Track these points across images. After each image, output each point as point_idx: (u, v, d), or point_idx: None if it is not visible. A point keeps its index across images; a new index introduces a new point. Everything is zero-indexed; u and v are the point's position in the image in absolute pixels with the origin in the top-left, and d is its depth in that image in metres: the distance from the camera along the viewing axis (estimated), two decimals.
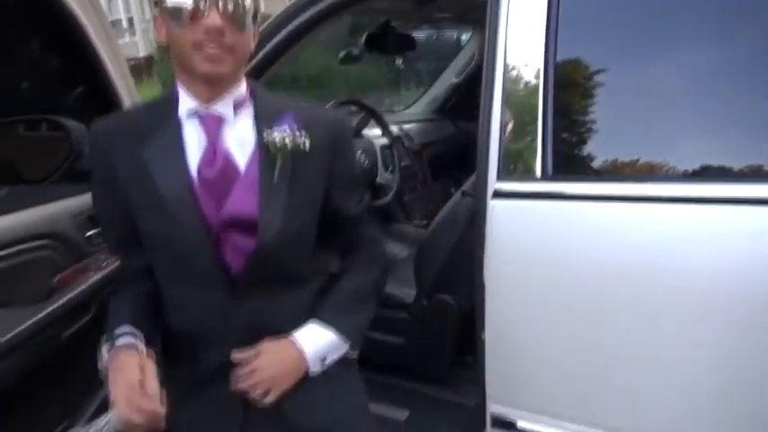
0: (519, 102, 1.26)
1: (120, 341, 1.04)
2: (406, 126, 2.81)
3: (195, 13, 0.99)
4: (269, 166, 1.09)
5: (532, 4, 1.23)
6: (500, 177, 1.26)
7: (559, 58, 1.22)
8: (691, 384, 1.12)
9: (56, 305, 1.35)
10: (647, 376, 1.16)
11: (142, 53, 14.64)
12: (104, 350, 1.05)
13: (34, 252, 1.36)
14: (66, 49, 1.57)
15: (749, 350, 1.05)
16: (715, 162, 1.13)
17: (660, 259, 1.11)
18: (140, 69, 10.57)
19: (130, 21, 18.92)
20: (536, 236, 1.23)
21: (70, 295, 1.39)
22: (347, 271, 1.23)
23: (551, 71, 1.22)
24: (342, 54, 2.75)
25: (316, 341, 1.14)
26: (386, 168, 2.36)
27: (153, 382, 0.99)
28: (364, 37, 2.50)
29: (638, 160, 1.19)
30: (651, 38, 1.20)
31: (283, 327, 1.15)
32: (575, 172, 1.24)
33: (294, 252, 1.15)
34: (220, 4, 1.00)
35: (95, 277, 1.47)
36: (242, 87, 1.12)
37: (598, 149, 1.22)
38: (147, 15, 16.49)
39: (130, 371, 0.99)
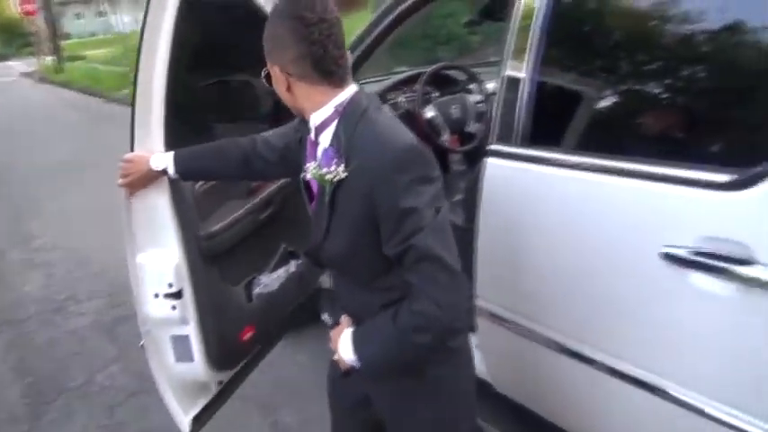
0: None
1: None
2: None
3: None
4: (322, 192, 1.30)
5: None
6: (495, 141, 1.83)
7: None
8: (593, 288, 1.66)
9: (255, 201, 2.25)
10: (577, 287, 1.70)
11: None
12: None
13: None
14: None
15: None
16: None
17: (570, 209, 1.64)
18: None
19: None
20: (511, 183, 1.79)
21: (262, 195, 2.29)
22: (398, 307, 1.24)
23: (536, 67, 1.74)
24: (464, 20, 3.31)
25: (345, 349, 1.33)
26: (477, 120, 2.92)
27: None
28: (480, 9, 3.04)
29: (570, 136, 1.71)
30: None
31: (355, 313, 1.40)
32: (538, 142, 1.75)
33: (347, 263, 1.36)
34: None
35: (272, 187, 2.34)
36: (318, 116, 1.31)
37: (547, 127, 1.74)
38: None
39: None
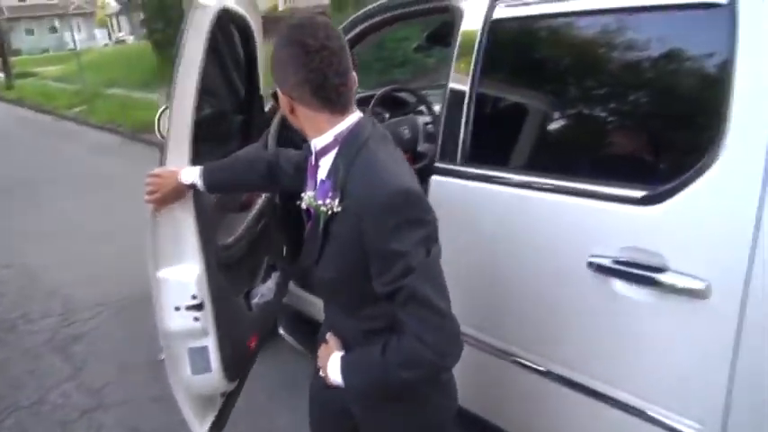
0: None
1: None
2: None
3: None
4: (317, 219, 1.30)
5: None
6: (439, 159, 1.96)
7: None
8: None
9: (253, 213, 2.41)
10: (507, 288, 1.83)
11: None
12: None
13: None
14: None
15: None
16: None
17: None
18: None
19: None
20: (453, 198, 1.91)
21: (256, 208, 2.44)
22: (388, 340, 1.25)
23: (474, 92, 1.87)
24: (414, 45, 3.46)
25: (333, 372, 1.34)
26: (426, 140, 3.05)
27: None
28: (426, 35, 3.19)
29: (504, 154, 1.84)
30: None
31: (343, 334, 1.41)
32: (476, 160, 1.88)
33: (336, 290, 1.38)
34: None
35: (263, 200, 2.50)
36: (320, 140, 1.31)
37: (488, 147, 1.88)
38: None
39: None
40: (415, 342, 1.18)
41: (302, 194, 1.35)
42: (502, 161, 1.84)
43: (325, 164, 1.31)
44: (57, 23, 49.63)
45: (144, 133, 10.56)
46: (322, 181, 1.30)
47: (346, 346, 1.39)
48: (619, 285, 1.51)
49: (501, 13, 1.80)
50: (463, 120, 1.87)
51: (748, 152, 1.28)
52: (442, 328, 1.19)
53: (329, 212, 1.24)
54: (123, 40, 39.72)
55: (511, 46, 1.87)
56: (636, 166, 1.60)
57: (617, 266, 1.50)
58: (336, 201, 1.23)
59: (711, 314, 1.36)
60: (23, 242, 5.63)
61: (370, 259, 1.22)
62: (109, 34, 46.91)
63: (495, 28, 1.82)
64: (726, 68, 1.33)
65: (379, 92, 2.92)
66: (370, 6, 2.39)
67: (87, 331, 3.86)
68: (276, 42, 1.27)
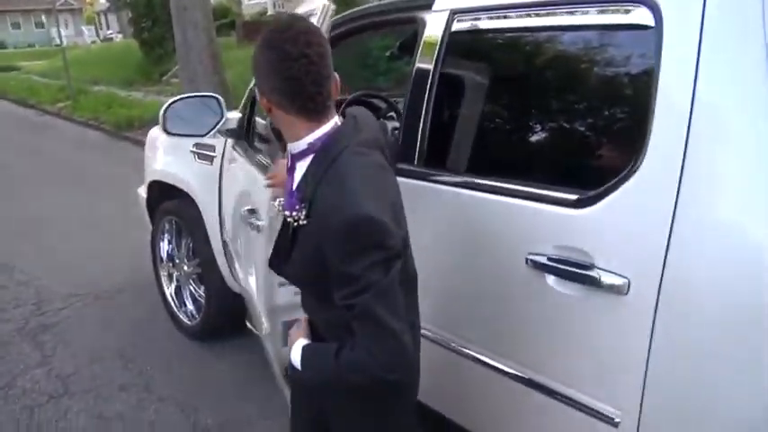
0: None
1: None
2: None
3: None
4: (287, 223, 1.35)
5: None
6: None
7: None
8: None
9: None
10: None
11: None
12: None
13: None
14: None
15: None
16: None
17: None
18: None
19: None
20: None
21: None
22: (341, 345, 1.26)
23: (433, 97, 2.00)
24: (388, 53, 3.60)
25: (295, 356, 1.40)
26: None
27: None
28: (398, 44, 3.32)
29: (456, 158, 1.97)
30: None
31: (315, 320, 1.48)
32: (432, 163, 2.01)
33: (305, 286, 1.47)
34: None
35: None
36: (299, 144, 1.32)
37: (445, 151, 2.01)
38: None
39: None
40: (364, 354, 1.21)
41: (274, 201, 1.43)
42: (454, 164, 1.97)
43: (300, 168, 1.33)
44: (44, 18, 49.35)
45: (127, 130, 10.61)
46: (291, 192, 1.34)
47: (317, 331, 1.46)
48: (552, 281, 1.63)
49: (457, 26, 1.93)
50: (420, 122, 2.00)
51: (665, 164, 1.41)
52: (391, 347, 1.21)
53: (295, 224, 1.29)
54: (111, 38, 39.60)
55: (464, 56, 2.01)
56: (571, 172, 1.73)
57: (551, 263, 1.62)
58: (303, 213, 1.27)
59: (630, 308, 1.48)
60: None
61: (330, 271, 1.24)
62: (96, 31, 46.66)
63: (452, 39, 1.95)
64: (649, 85, 1.46)
65: (348, 97, 3.04)
66: (342, 14, 2.52)
67: (59, 321, 3.92)
68: (257, 45, 1.28)
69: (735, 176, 1.34)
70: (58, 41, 17.56)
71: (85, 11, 54.13)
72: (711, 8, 1.36)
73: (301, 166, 1.32)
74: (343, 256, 1.21)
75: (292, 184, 1.36)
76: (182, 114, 2.87)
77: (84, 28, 47.73)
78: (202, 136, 2.95)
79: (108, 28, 45.93)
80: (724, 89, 1.37)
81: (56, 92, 15.90)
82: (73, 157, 9.35)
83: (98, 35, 45.34)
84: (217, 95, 2.96)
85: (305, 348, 1.41)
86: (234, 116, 2.99)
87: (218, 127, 2.86)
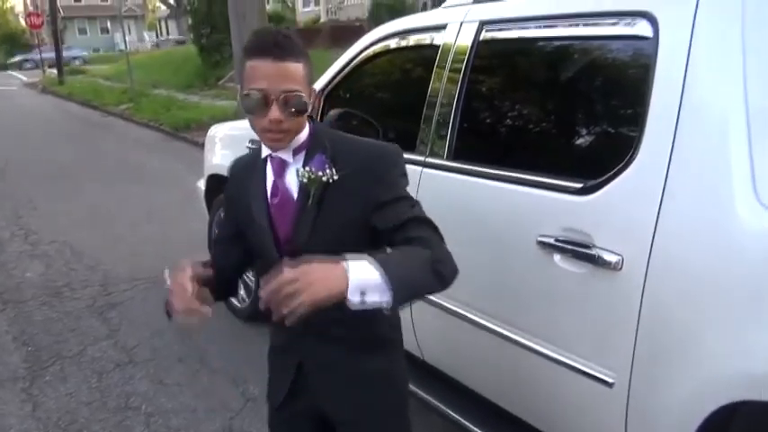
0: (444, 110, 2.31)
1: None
2: None
3: (262, 108, 1.29)
4: (306, 195, 1.36)
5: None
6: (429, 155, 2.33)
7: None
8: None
9: None
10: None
11: None
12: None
13: None
14: None
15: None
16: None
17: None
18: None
19: None
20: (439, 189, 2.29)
21: None
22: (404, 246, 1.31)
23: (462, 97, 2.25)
24: None
25: (362, 271, 1.15)
26: None
27: (188, 286, 1.33)
28: None
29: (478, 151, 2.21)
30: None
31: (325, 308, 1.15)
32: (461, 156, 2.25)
33: (337, 246, 1.28)
34: (281, 99, 1.29)
35: None
36: (301, 137, 1.39)
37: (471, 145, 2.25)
38: None
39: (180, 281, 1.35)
40: (440, 244, 1.35)
41: (296, 169, 1.38)
42: (479, 157, 2.21)
43: (298, 160, 1.40)
44: (108, 24, 51.42)
45: (184, 131, 11.15)
46: (316, 156, 1.36)
47: (326, 316, 1.19)
48: (558, 259, 1.85)
49: (485, 35, 2.18)
50: (450, 121, 2.25)
51: (656, 156, 1.62)
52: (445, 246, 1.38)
53: (329, 181, 1.34)
54: (156, 44, 40.96)
55: (490, 61, 2.26)
56: (577, 164, 1.95)
57: (557, 243, 1.84)
58: (334, 170, 1.34)
59: (623, 283, 1.69)
60: (66, 223, 6.15)
61: (374, 214, 1.35)
62: (157, 36, 48.37)
63: (480, 47, 2.20)
64: (646, 87, 1.67)
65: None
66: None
67: (123, 301, 4.30)
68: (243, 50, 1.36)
69: (714, 168, 1.54)
70: (121, 47, 18.38)
71: (148, 18, 56.15)
72: (700, 22, 1.58)
73: (302, 155, 1.40)
74: (393, 181, 1.39)
75: (283, 178, 1.42)
76: None
77: (145, 33, 49.58)
78: None
79: (168, 34, 47.52)
80: (707, 91, 1.57)
81: (119, 94, 16.73)
82: (134, 155, 9.91)
83: (157, 39, 46.99)
84: None
85: (373, 258, 1.18)
86: None
87: None
